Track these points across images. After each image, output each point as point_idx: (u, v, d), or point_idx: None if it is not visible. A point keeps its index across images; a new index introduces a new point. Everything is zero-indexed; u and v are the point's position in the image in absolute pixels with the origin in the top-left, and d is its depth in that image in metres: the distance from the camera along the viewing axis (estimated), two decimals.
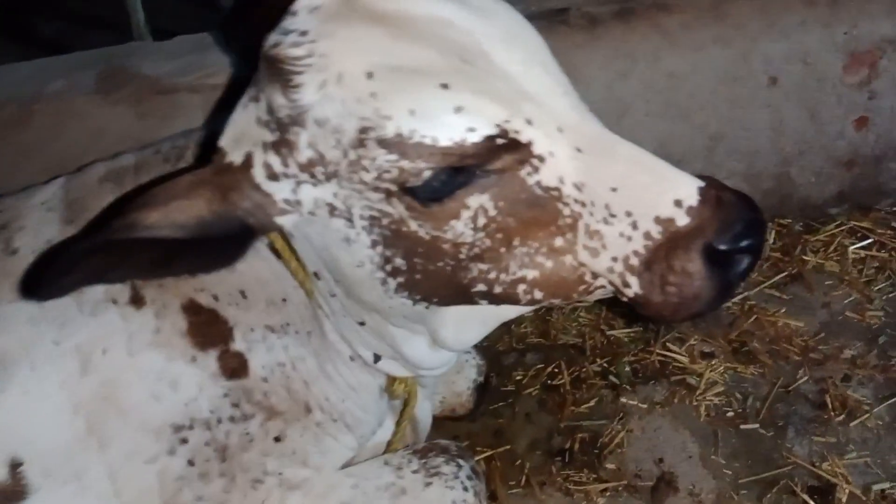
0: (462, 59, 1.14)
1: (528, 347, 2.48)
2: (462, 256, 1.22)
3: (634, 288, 1.19)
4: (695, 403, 2.25)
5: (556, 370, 2.38)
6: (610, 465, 2.12)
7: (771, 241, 2.67)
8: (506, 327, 2.52)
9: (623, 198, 1.16)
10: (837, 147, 2.58)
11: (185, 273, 1.28)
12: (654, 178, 1.16)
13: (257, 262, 1.52)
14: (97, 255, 1.16)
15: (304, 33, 1.17)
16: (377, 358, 1.58)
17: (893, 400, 2.21)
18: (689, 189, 1.15)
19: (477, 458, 2.05)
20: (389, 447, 1.82)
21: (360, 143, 1.13)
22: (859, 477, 2.05)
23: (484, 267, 1.23)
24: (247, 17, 1.49)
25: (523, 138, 1.14)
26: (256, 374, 1.52)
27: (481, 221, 1.18)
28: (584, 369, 2.38)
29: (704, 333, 2.45)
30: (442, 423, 2.20)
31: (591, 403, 2.29)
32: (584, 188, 1.17)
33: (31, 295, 1.34)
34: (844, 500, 1.99)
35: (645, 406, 2.27)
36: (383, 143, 1.12)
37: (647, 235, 1.16)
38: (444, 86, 1.11)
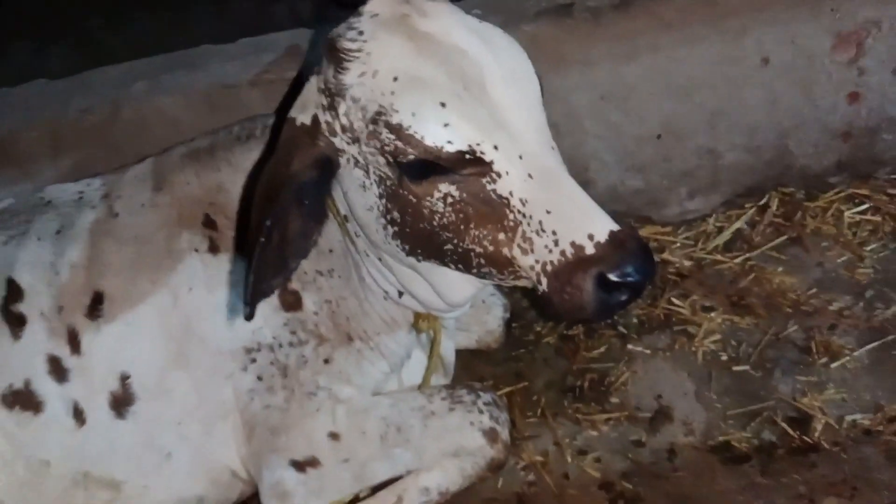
0: (463, 85, 1.49)
1: None
2: (436, 223, 1.57)
3: (543, 286, 1.53)
4: (693, 349, 2.53)
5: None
6: (614, 400, 2.43)
7: (774, 207, 2.91)
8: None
9: (553, 220, 1.49)
10: (832, 120, 2.81)
11: (314, 229, 1.61)
12: (580, 213, 1.50)
13: None
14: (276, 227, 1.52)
15: (360, 32, 1.54)
16: (401, 293, 1.92)
17: (874, 345, 2.46)
18: (602, 228, 1.48)
19: (499, 393, 2.37)
20: (424, 382, 2.17)
21: (375, 121, 1.51)
22: (836, 410, 2.31)
23: (449, 235, 1.59)
24: None
25: (487, 158, 1.49)
26: (309, 308, 1.90)
27: (449, 201, 1.54)
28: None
29: (707, 289, 2.73)
30: (469, 364, 2.54)
31: (602, 350, 2.58)
32: (526, 204, 1.51)
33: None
34: (820, 428, 2.26)
35: (649, 352, 2.55)
36: (388, 126, 1.49)
37: (563, 253, 1.49)
38: (443, 104, 1.47)
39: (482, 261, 1.59)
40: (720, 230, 2.90)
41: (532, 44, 1.75)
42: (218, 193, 1.95)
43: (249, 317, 1.55)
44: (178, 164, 2.01)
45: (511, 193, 1.51)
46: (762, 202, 2.94)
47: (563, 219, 1.49)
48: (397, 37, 1.52)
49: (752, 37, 2.60)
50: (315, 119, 1.59)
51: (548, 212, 1.49)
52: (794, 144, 2.86)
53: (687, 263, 2.82)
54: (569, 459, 2.30)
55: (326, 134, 1.59)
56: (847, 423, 2.28)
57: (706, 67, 2.63)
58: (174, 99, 2.42)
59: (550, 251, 1.49)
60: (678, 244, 2.88)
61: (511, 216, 1.52)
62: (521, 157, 1.50)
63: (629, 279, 1.47)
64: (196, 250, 1.90)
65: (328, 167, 1.59)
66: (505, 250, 1.54)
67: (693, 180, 2.87)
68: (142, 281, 1.89)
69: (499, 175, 1.50)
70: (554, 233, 1.49)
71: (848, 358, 2.44)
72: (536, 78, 1.61)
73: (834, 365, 2.43)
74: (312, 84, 1.61)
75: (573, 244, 1.48)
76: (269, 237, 1.52)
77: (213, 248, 1.90)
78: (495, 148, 1.49)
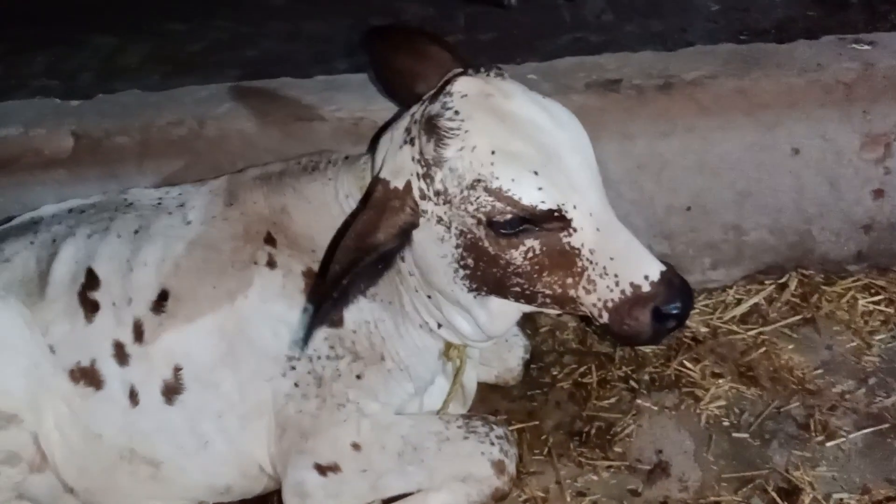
0: (547, 155, 1.79)
1: (566, 351, 2.96)
2: (510, 270, 1.86)
3: (604, 318, 1.85)
4: (698, 411, 2.67)
5: (587, 371, 2.84)
6: (617, 449, 2.58)
7: (792, 287, 3.06)
8: (551, 333, 3.03)
9: (615, 264, 1.81)
10: (855, 213, 2.97)
11: (384, 272, 1.93)
12: (637, 258, 1.82)
13: None
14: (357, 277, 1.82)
15: (457, 112, 1.81)
16: (440, 325, 2.13)
17: (869, 430, 2.58)
18: (655, 270, 1.80)
19: (510, 428, 2.54)
20: (444, 405, 2.36)
21: (473, 187, 1.79)
22: (824, 487, 2.43)
23: (521, 280, 1.88)
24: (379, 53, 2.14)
25: (568, 216, 1.80)
26: (349, 326, 2.11)
27: (529, 255, 1.83)
28: (611, 373, 2.83)
29: (718, 357, 2.88)
30: (487, 397, 2.72)
31: (612, 400, 2.73)
32: (594, 253, 1.81)
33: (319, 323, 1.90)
34: (807, 502, 2.39)
35: (656, 408, 2.70)
36: (488, 190, 1.77)
37: (623, 291, 1.81)
38: (535, 172, 1.77)
39: (547, 300, 1.90)
40: (738, 302, 3.06)
41: (579, 112, 1.97)
42: (281, 214, 2.18)
43: (303, 347, 1.96)
44: (250, 185, 2.25)
45: (583, 245, 1.81)
46: (782, 281, 3.09)
47: (623, 263, 1.79)
48: (490, 117, 1.80)
49: (784, 128, 2.78)
50: (408, 184, 1.87)
51: (611, 258, 1.80)
52: (817, 231, 3.02)
53: (703, 330, 2.97)
54: (567, 499, 2.45)
55: (416, 198, 1.87)
56: (834, 500, 2.39)
57: (738, 151, 2.81)
58: (253, 123, 2.66)
59: (611, 290, 1.80)
60: (697, 310, 3.02)
61: (580, 263, 1.82)
62: (591, 214, 1.80)
63: (677, 311, 1.80)
64: (256, 263, 2.12)
65: (408, 234, 1.87)
66: (571, 291, 1.86)
67: (717, 252, 3.04)
68: (205, 285, 2.12)
69: (575, 230, 1.80)
70: (616, 275, 1.80)
71: (843, 439, 2.56)
72: (591, 144, 1.89)
73: (829, 444, 2.55)
74: (406, 153, 1.88)
75: (632, 284, 1.79)
76: (343, 296, 1.80)
77: (271, 263, 2.12)
78: (574, 207, 1.79)
